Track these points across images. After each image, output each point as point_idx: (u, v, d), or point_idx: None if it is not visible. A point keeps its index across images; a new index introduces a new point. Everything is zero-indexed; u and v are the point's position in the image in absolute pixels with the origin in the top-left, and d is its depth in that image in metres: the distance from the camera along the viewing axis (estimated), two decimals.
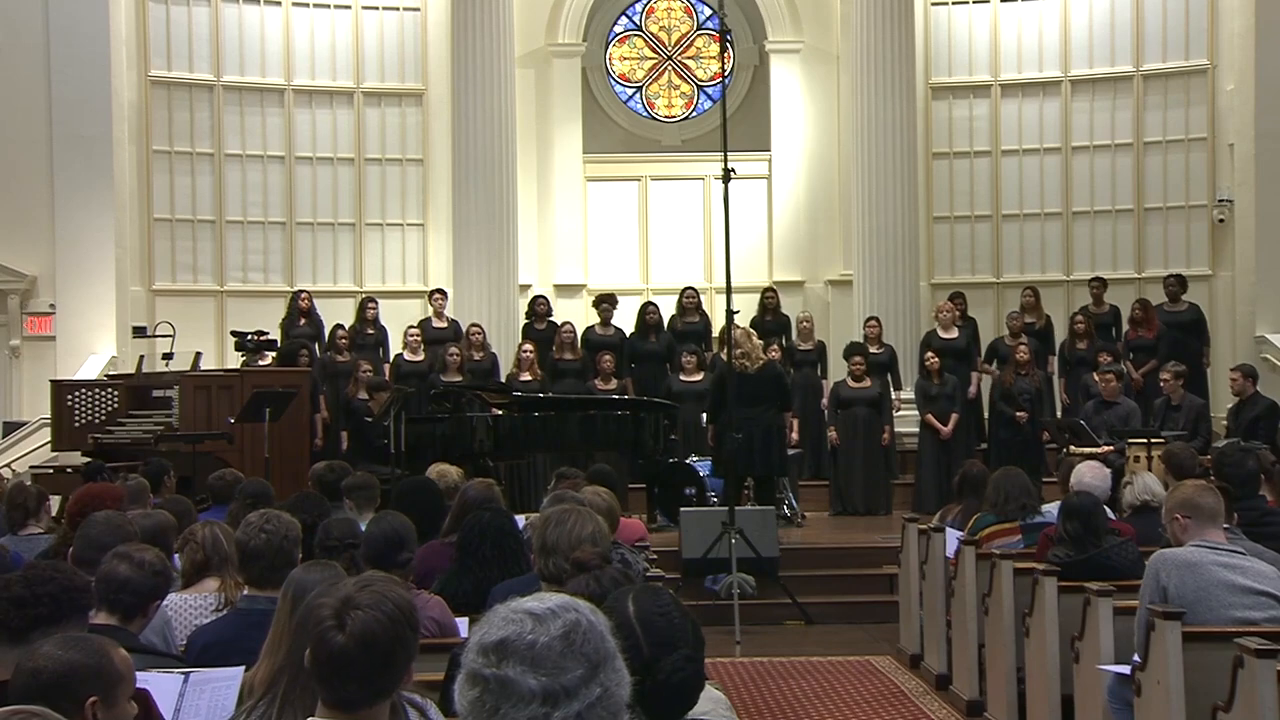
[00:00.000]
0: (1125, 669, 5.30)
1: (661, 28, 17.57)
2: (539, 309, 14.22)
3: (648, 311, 14.03)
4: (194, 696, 3.72)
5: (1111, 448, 10.78)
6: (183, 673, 3.80)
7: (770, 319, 14.35)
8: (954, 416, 12.95)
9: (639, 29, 17.55)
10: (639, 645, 2.50)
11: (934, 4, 16.11)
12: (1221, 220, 15.09)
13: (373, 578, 2.78)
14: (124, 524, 5.03)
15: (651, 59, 17.54)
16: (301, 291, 14.39)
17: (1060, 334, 14.22)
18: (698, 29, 17.53)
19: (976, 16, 16.16)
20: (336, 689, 2.62)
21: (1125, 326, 13.83)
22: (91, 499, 6.13)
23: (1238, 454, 7.18)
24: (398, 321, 14.32)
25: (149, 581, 4.08)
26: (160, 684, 3.66)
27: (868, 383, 13.06)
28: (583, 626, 2.06)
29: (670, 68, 17.54)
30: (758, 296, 14.61)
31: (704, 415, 11.95)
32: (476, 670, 2.03)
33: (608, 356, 13.22)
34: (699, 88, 17.52)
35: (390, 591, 2.67)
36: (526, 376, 12.95)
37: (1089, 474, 7.28)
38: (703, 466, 11.87)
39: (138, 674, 3.43)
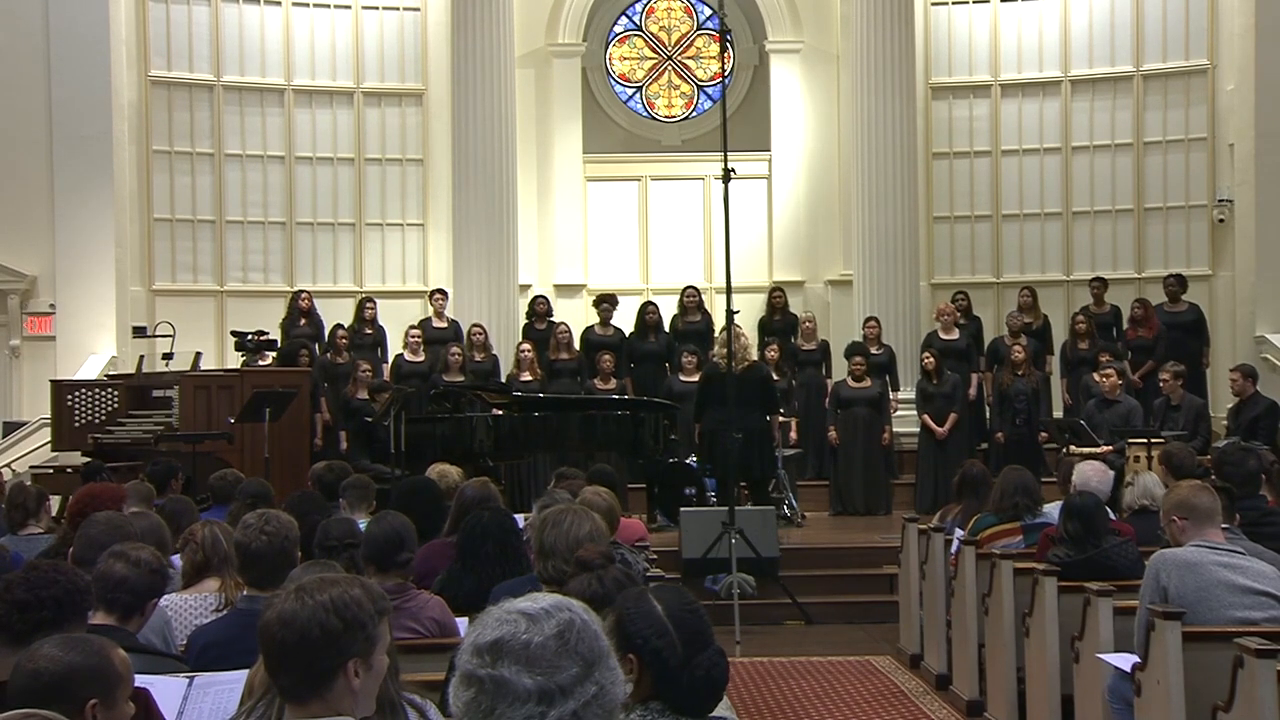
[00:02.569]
0: (1125, 660, 5.29)
1: (661, 28, 17.57)
2: (539, 309, 14.22)
3: (647, 311, 14.04)
4: (197, 699, 3.71)
5: (1111, 448, 10.78)
6: (187, 676, 3.80)
7: (779, 319, 14.38)
8: (952, 416, 12.95)
9: (639, 29, 17.55)
10: (674, 644, 2.53)
11: (934, 4, 16.11)
12: (1221, 220, 15.09)
13: (340, 577, 2.77)
14: (124, 524, 5.03)
15: (651, 59, 17.54)
16: (302, 291, 14.39)
17: (1059, 334, 14.23)
18: (698, 29, 17.53)
19: (976, 16, 16.16)
20: (268, 668, 2.65)
21: (1125, 326, 13.83)
22: (92, 499, 6.13)
23: (1238, 454, 7.17)
24: (398, 321, 14.32)
25: (146, 580, 4.07)
26: (164, 686, 3.65)
27: (868, 383, 13.06)
28: (576, 626, 2.07)
29: (670, 68, 17.54)
30: (762, 296, 14.63)
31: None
32: (471, 671, 2.04)
33: (607, 356, 13.22)
34: (699, 88, 17.52)
35: (335, 588, 2.64)
36: (527, 376, 12.95)
37: (1092, 474, 7.28)
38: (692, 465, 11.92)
39: (142, 676, 3.43)
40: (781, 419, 12.48)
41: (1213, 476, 6.95)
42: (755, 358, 12.35)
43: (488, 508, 5.79)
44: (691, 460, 12.06)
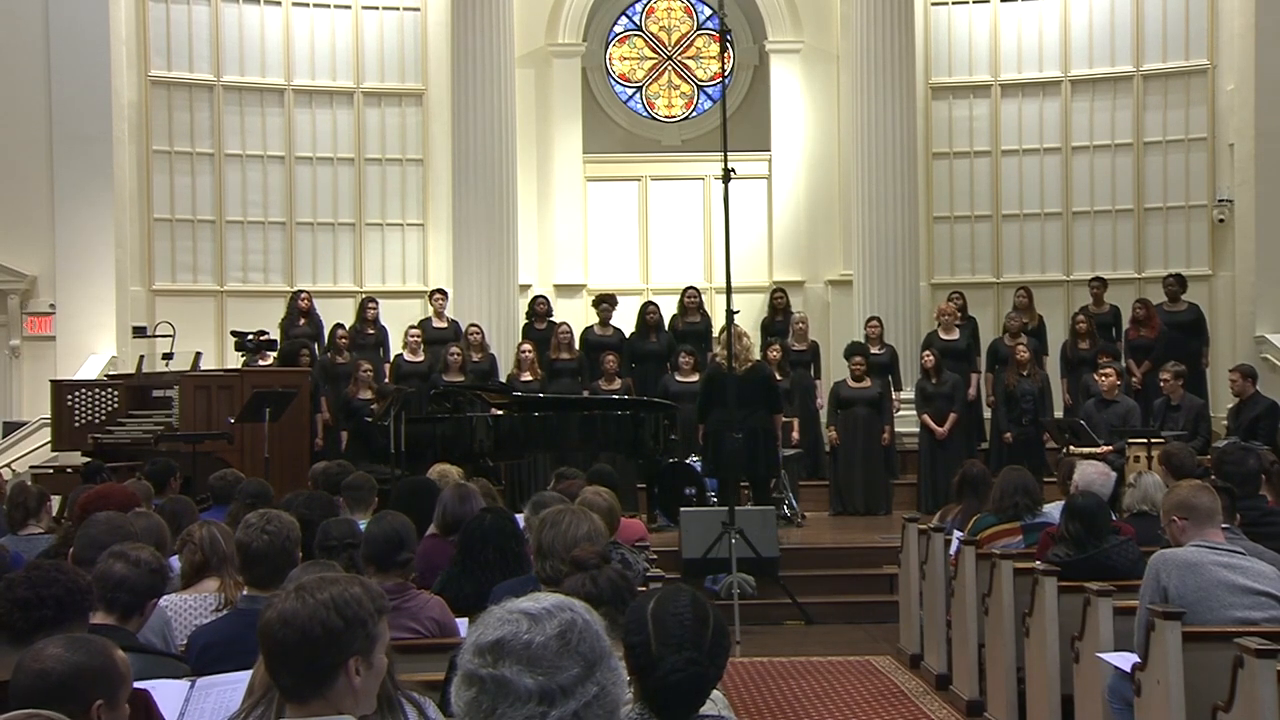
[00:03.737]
0: (1125, 658, 5.30)
1: (661, 28, 17.57)
2: (539, 309, 14.22)
3: (648, 311, 14.03)
4: (199, 700, 3.71)
5: (1111, 448, 10.79)
6: (190, 679, 3.80)
7: (780, 319, 14.37)
8: (951, 416, 12.96)
9: (639, 29, 17.55)
10: (648, 641, 2.54)
11: (934, 4, 16.11)
12: (1221, 220, 15.10)
13: (340, 576, 2.78)
14: (125, 524, 5.02)
15: (651, 59, 17.54)
16: (301, 292, 14.38)
17: (1059, 334, 14.22)
18: (698, 29, 17.53)
19: (976, 16, 16.16)
20: (270, 668, 2.65)
21: (1126, 326, 13.82)
22: (100, 500, 6.11)
23: (1239, 453, 7.17)
24: (398, 322, 14.32)
25: (145, 580, 4.07)
26: (165, 689, 3.65)
27: (868, 383, 13.06)
28: (578, 626, 2.06)
29: (670, 68, 17.54)
30: (762, 297, 14.63)
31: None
32: (473, 671, 2.03)
33: (611, 356, 13.21)
34: (699, 88, 17.52)
35: (335, 586, 2.66)
36: (527, 376, 12.95)
37: (1094, 474, 7.26)
38: (696, 466, 11.89)
39: (145, 680, 3.44)
40: (783, 419, 12.47)
41: (1213, 476, 6.95)
42: (757, 357, 12.35)
43: (491, 510, 5.77)
44: (694, 461, 12.05)
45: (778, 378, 12.41)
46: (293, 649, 2.58)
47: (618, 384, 13.12)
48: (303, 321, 14.02)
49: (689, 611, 2.63)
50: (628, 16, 17.50)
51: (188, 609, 4.84)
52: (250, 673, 3.14)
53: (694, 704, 2.60)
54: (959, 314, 14.12)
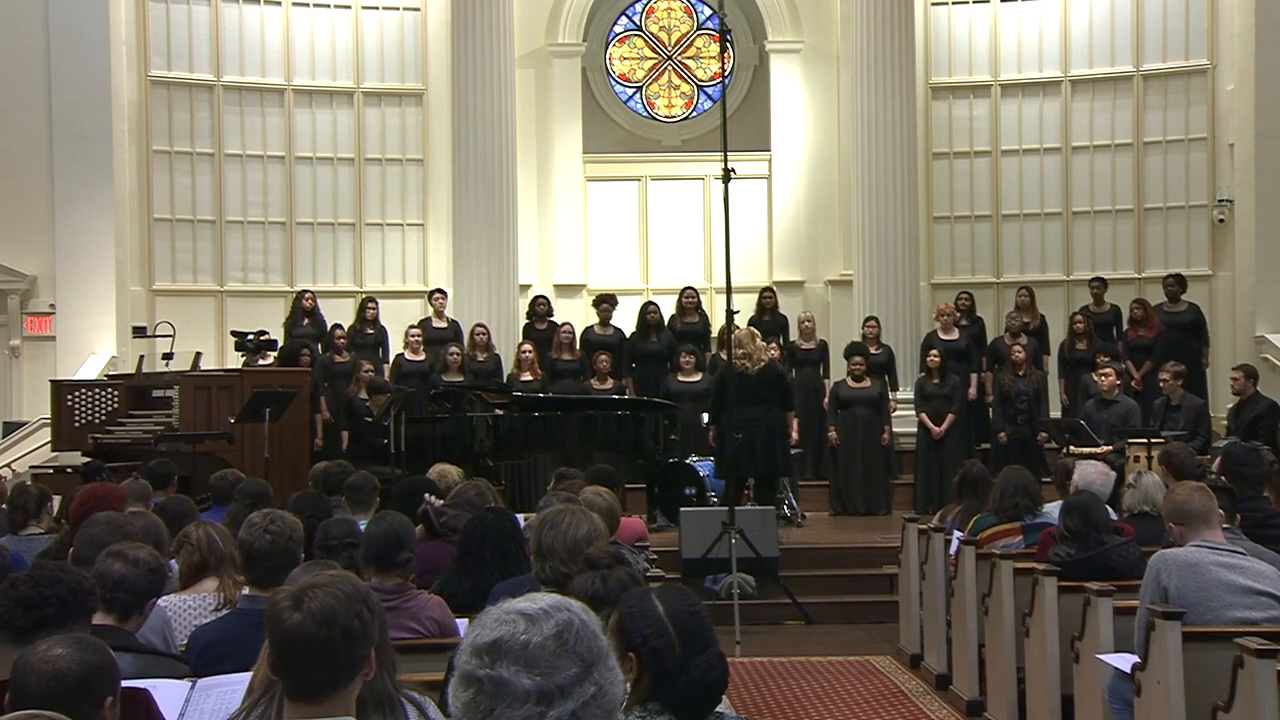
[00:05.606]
0: (1125, 659, 5.30)
1: (661, 28, 17.57)
2: (539, 309, 14.22)
3: (649, 311, 14.03)
4: (200, 700, 3.71)
5: (1111, 448, 10.79)
6: (191, 680, 3.80)
7: (768, 319, 14.35)
8: (949, 417, 12.95)
9: (639, 29, 17.55)
10: (672, 644, 2.52)
11: (934, 4, 16.11)
12: (1221, 220, 15.09)
13: (345, 574, 2.80)
14: (125, 524, 5.02)
15: (651, 59, 17.54)
16: (306, 291, 14.39)
17: (1058, 334, 14.23)
18: (698, 29, 17.53)
19: (976, 16, 16.16)
20: (298, 673, 2.61)
21: (1125, 326, 13.83)
22: (94, 500, 6.12)
23: (1251, 454, 7.16)
24: (398, 321, 14.32)
25: (144, 579, 4.07)
26: (166, 688, 3.66)
27: (868, 383, 13.06)
28: (575, 626, 2.06)
29: (670, 68, 17.54)
30: (756, 296, 14.61)
31: (705, 416, 11.97)
32: (470, 671, 2.03)
33: (604, 356, 13.22)
34: (699, 88, 17.52)
35: (347, 580, 2.69)
36: (527, 376, 12.95)
37: (1094, 474, 7.26)
38: (704, 467, 11.87)
39: (145, 680, 3.44)
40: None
41: (1218, 476, 6.95)
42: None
43: (493, 509, 5.77)
44: (697, 461, 12.01)
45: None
46: (332, 646, 2.57)
47: (610, 384, 13.11)
48: (306, 321, 14.03)
49: (701, 609, 2.63)
50: (628, 16, 17.50)
51: (187, 609, 4.84)
52: (250, 675, 3.14)
53: (719, 700, 2.60)
54: (961, 314, 14.12)
